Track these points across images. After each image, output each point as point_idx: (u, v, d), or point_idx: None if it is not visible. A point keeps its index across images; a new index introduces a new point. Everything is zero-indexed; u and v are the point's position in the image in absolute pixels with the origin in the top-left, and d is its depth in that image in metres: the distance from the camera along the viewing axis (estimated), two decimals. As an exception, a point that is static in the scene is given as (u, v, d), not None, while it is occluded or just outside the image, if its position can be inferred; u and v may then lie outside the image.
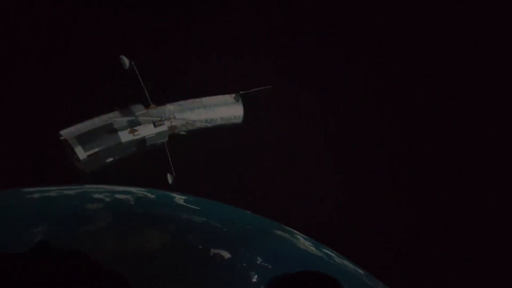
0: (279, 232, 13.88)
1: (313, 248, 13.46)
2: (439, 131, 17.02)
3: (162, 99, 10.85)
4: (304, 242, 13.67)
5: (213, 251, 11.83)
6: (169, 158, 10.41)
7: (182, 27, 15.39)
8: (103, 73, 13.29)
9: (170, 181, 10.39)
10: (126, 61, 10.32)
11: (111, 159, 10.28)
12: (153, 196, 14.29)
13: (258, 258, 12.18)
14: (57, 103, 13.11)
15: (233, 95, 11.47)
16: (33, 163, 13.12)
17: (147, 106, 10.38)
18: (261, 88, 11.67)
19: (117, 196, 13.83)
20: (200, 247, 11.98)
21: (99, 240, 12.10)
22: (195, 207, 14.08)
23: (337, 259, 13.30)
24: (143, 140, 10.21)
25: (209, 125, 11.13)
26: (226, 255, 11.89)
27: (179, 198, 14.38)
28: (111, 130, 9.80)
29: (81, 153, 9.41)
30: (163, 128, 10.41)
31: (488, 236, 15.13)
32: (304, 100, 16.61)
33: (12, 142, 12.92)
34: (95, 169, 10.06)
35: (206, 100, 11.11)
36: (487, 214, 15.62)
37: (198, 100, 11.03)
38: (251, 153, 15.37)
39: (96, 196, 13.63)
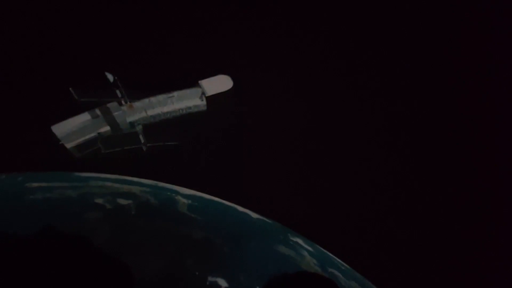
0: (282, 249, 13.14)
1: (319, 268, 12.70)
2: (419, 127, 16.66)
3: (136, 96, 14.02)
4: (310, 260, 12.92)
5: (210, 279, 11.29)
6: (142, 140, 13.87)
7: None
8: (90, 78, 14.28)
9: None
10: (110, 76, 13.33)
11: (94, 147, 13.82)
12: (156, 201, 13.80)
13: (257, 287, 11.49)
14: (51, 101, 14.20)
15: (196, 87, 14.36)
16: (35, 150, 13.79)
17: (121, 104, 13.70)
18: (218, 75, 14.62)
19: (119, 200, 13.55)
20: (197, 273, 11.43)
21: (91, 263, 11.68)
22: (198, 217, 13.58)
23: (344, 281, 12.56)
24: (118, 129, 13.68)
25: (177, 114, 14.27)
26: (223, 284, 11.30)
27: (183, 204, 13.88)
28: (91, 125, 13.43)
29: (68, 143, 13.15)
30: (135, 119, 13.80)
31: (474, 236, 14.77)
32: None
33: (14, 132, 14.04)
34: (83, 155, 13.75)
35: (171, 94, 14.05)
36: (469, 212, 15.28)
37: (164, 95, 14.01)
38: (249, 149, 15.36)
39: (97, 200, 13.43)
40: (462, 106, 16.68)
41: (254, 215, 14.03)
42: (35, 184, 13.54)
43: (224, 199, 14.11)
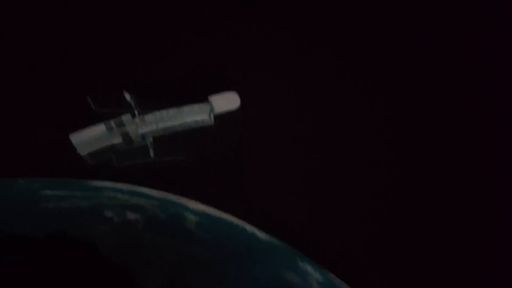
0: (289, 276, 12.66)
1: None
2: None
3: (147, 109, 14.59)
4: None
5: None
6: (151, 153, 14.39)
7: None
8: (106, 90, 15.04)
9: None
10: (127, 95, 14.18)
11: (108, 157, 14.47)
12: (164, 216, 13.96)
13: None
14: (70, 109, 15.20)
15: (204, 102, 14.74)
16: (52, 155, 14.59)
17: (134, 116, 14.31)
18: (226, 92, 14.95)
19: (128, 214, 13.81)
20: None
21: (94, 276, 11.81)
22: (204, 236, 13.50)
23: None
24: (130, 141, 14.46)
25: (185, 128, 14.79)
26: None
27: (191, 221, 13.92)
28: (106, 135, 14.15)
29: (82, 151, 13.89)
30: (146, 131, 14.41)
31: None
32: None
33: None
34: (97, 162, 14.43)
35: (181, 108, 14.58)
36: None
37: (175, 109, 14.55)
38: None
39: (107, 213, 13.78)
40: (463, 106, 16.49)
41: (263, 235, 13.81)
42: (50, 192, 14.07)
43: (233, 214, 14.04)
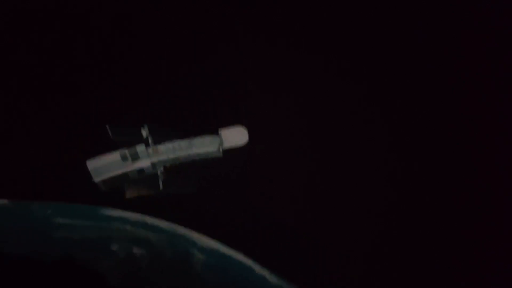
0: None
1: None
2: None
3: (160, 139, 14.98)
4: None
5: None
6: (160, 183, 14.65)
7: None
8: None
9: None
10: (144, 131, 14.81)
11: (120, 184, 14.87)
12: (171, 252, 13.73)
13: None
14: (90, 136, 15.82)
15: (214, 135, 15.03)
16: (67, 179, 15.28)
17: (147, 145, 14.88)
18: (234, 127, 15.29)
19: (134, 250, 13.72)
20: None
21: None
22: (210, 278, 13.12)
23: None
24: (142, 170, 14.93)
25: (196, 158, 15.10)
26: None
27: (198, 259, 13.57)
28: (120, 164, 14.55)
29: (97, 178, 14.64)
30: (157, 161, 14.76)
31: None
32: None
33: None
34: (109, 188, 14.95)
35: (192, 140, 14.92)
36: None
37: (186, 140, 14.90)
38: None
39: (113, 247, 13.77)
40: (463, 106, 16.58)
41: (272, 279, 13.24)
42: (62, 220, 14.33)
43: (242, 252, 13.75)
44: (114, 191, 15.12)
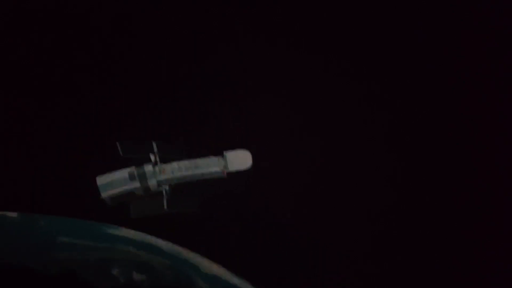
0: None
1: None
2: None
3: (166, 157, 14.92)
4: None
5: None
6: (165, 203, 14.65)
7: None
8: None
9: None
10: (152, 152, 14.90)
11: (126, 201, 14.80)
12: (172, 280, 13.55)
13: None
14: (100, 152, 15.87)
15: (219, 157, 14.95)
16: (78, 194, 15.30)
17: (155, 164, 14.82)
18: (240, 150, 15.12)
19: (135, 276, 13.62)
20: None
21: None
22: None
23: None
24: (147, 188, 14.88)
25: (200, 178, 15.02)
26: None
27: (200, 287, 13.41)
28: (127, 182, 14.71)
29: (104, 194, 14.66)
30: (163, 180, 14.76)
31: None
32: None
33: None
34: (115, 204, 14.93)
35: (197, 161, 14.92)
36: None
37: (192, 160, 14.89)
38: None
39: (113, 272, 13.69)
40: (462, 106, 16.61)
41: None
42: (65, 239, 14.29)
43: (249, 280, 13.55)
44: (120, 208, 15.05)
